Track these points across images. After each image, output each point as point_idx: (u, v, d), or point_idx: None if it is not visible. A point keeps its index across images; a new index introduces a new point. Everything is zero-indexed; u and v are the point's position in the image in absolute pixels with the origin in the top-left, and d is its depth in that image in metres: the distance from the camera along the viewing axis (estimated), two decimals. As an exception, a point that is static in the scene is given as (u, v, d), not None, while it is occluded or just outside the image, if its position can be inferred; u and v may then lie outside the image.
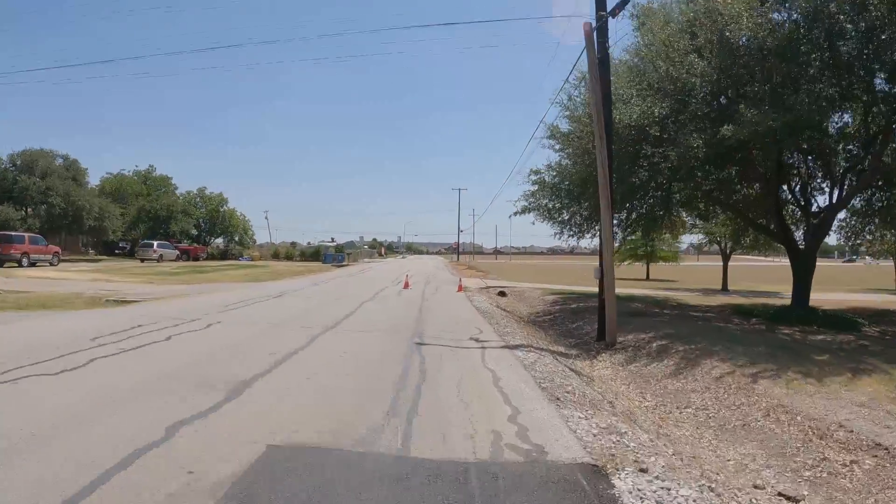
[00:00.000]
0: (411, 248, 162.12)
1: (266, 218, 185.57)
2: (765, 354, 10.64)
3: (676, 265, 43.91)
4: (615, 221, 20.23)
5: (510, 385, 6.74)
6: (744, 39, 12.51)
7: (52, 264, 35.00)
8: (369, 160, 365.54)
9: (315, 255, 62.08)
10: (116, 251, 57.26)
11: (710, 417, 8.35)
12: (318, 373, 6.97)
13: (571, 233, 19.99)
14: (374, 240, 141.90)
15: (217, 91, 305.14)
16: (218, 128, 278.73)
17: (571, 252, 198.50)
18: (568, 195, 17.75)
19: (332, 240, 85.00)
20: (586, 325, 15.26)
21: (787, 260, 17.83)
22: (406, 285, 22.93)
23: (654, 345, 11.94)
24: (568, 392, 6.93)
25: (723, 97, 13.71)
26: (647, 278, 40.91)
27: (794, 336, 13.11)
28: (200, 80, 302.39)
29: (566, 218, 19.17)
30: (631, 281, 36.72)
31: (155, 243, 49.91)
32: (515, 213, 19.04)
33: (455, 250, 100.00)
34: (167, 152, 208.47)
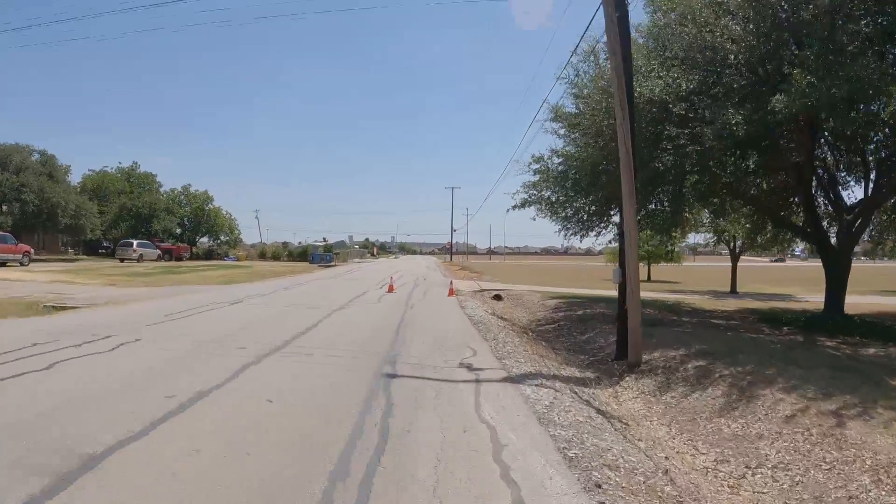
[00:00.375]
0: (404, 248, 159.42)
1: (256, 217, 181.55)
2: (830, 379, 8.32)
3: (678, 266, 41.51)
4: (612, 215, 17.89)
5: (520, 460, 4.22)
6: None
7: (22, 264, 32.63)
8: (363, 160, 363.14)
9: (303, 255, 59.34)
10: (101, 251, 54.50)
11: (796, 483, 5.99)
12: (212, 444, 4.40)
13: (576, 230, 17.59)
14: (367, 240, 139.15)
15: (213, 89, 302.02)
16: (210, 126, 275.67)
17: (566, 252, 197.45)
18: (574, 186, 15.31)
19: (324, 240, 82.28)
20: (599, 338, 12.81)
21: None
22: (390, 289, 20.50)
23: (690, 366, 9.52)
24: (607, 464, 4.45)
25: (767, 65, 11.27)
26: (649, 279, 38.60)
27: (844, 350, 10.91)
28: (196, 78, 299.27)
29: (570, 213, 16.76)
30: None
31: (135, 242, 47.23)
32: (514, 207, 16.57)
33: (448, 250, 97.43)
34: (161, 151, 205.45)
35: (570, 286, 27.65)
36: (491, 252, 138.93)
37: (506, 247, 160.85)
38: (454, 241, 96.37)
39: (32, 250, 35.48)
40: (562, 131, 16.08)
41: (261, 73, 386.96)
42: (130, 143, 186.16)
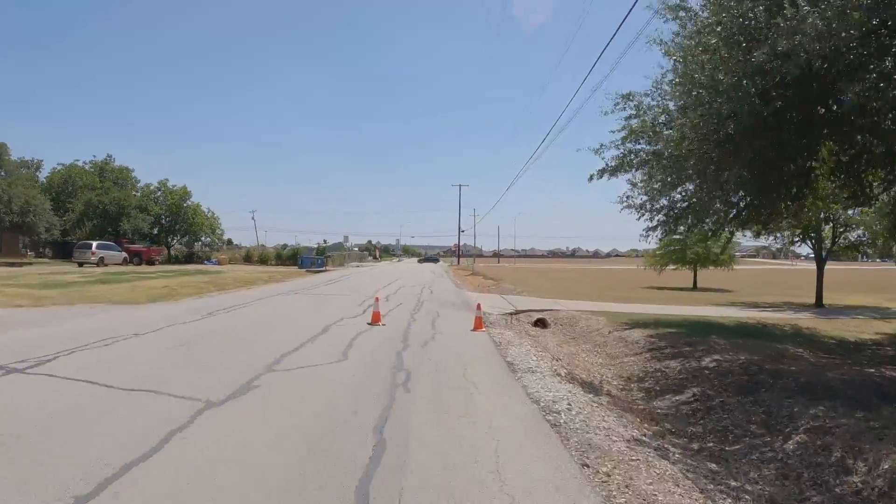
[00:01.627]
0: (408, 251, 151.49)
1: (253, 218, 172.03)
2: None
3: (726, 270, 33.74)
4: (719, 206, 10.61)
5: None
6: None
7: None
8: (365, 162, 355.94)
9: (294, 258, 51.69)
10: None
11: None
12: None
13: (693, 222, 10.18)
14: (369, 242, 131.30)
15: (211, 86, 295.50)
16: (207, 124, 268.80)
17: (573, 255, 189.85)
18: (706, 142, 7.76)
19: (324, 241, 74.71)
20: (835, 445, 5.23)
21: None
22: (375, 318, 11.85)
23: None
24: None
25: None
26: (695, 287, 30.92)
27: None
28: (196, 73, 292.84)
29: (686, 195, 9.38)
30: (678, 292, 27.27)
31: (94, 244, 39.65)
32: (601, 174, 9.24)
33: (454, 253, 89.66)
34: (155, 147, 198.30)
35: (620, 300, 20.07)
36: (498, 255, 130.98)
37: (513, 249, 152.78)
38: (460, 244, 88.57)
39: None
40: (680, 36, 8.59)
41: (261, 69, 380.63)
42: (122, 139, 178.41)
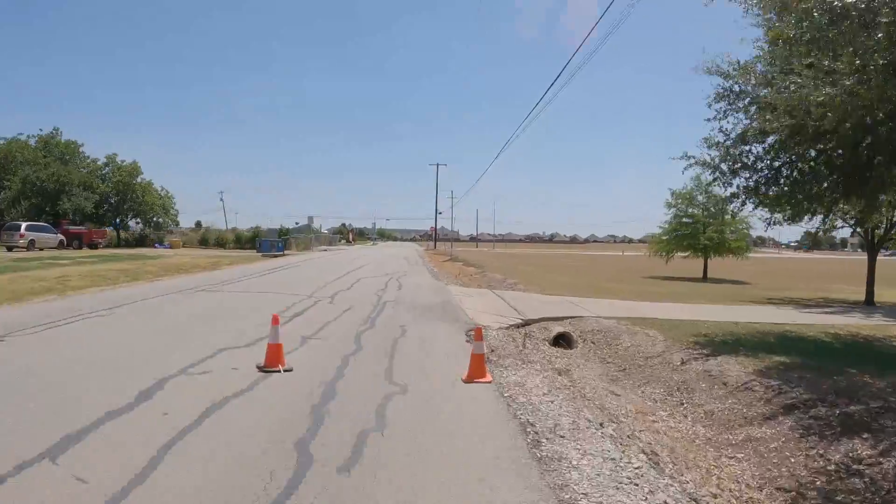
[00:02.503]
0: (384, 234, 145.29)
1: (221, 199, 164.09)
2: None
3: (740, 259, 29.15)
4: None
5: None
6: None
7: None
8: (343, 143, 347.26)
9: (253, 240, 45.82)
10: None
11: None
12: None
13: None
14: (343, 225, 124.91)
15: (187, 66, 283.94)
16: (178, 103, 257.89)
17: (551, 240, 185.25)
18: None
19: (297, 224, 68.96)
20: None
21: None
22: (272, 359, 6.05)
23: None
24: None
25: None
26: (706, 277, 26.35)
27: None
28: (168, 50, 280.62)
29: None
30: (693, 284, 22.90)
31: (23, 225, 34.13)
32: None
33: (431, 236, 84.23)
34: (125, 125, 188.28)
35: (642, 297, 15.32)
36: (476, 239, 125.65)
37: (491, 234, 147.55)
38: (437, 227, 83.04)
39: None
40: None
41: (241, 52, 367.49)
42: (77, 114, 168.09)
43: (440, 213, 75.99)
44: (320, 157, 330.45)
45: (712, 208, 25.79)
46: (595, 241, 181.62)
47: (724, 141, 8.40)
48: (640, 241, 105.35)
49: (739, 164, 8.32)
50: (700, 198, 26.52)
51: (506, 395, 5.49)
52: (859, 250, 63.71)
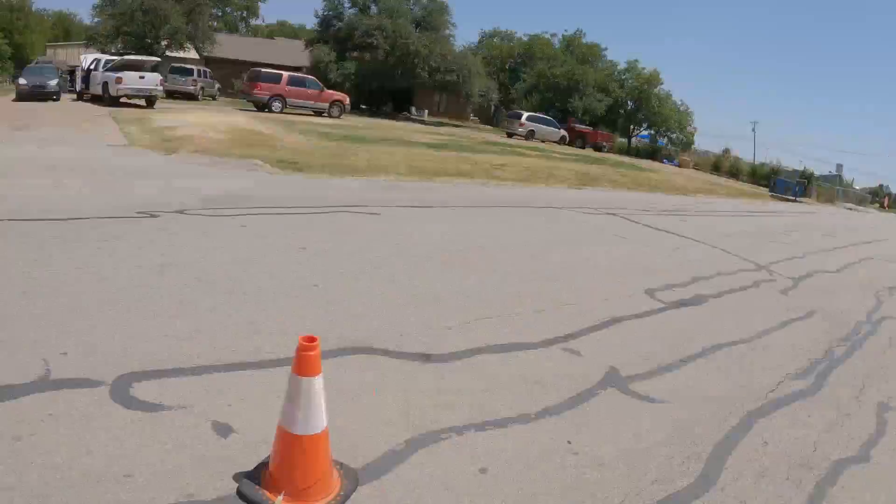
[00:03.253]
0: None
1: (753, 130, 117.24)
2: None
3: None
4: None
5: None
6: None
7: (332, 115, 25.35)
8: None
9: (769, 177, 34.07)
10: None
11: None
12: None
13: None
14: (880, 185, 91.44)
15: None
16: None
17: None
18: None
19: (829, 172, 52.11)
20: None
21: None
22: None
23: None
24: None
25: None
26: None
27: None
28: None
29: None
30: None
31: (525, 115, 34.79)
32: None
33: None
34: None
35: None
36: None
37: None
38: None
39: (347, 99, 27.90)
40: None
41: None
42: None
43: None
44: None
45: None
46: None
47: None
48: None
49: None
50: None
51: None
52: None
